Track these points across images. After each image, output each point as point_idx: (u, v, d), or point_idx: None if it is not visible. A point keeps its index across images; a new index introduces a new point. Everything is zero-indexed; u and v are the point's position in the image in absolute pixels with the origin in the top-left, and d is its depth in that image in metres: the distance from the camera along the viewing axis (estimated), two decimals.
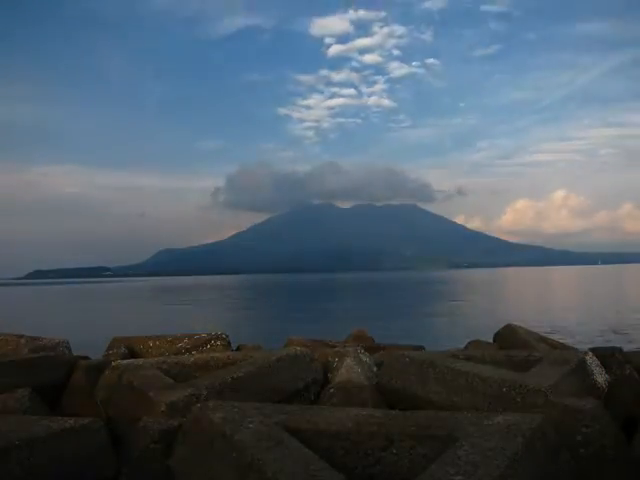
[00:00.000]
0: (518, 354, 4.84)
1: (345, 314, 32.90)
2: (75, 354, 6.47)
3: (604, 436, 3.14)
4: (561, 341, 7.38)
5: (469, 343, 7.42)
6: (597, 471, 3.06)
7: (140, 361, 4.71)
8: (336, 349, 5.57)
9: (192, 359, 4.81)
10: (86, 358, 6.11)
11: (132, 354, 6.30)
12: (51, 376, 5.20)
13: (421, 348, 7.24)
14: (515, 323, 7.06)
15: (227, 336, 6.48)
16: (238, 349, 6.68)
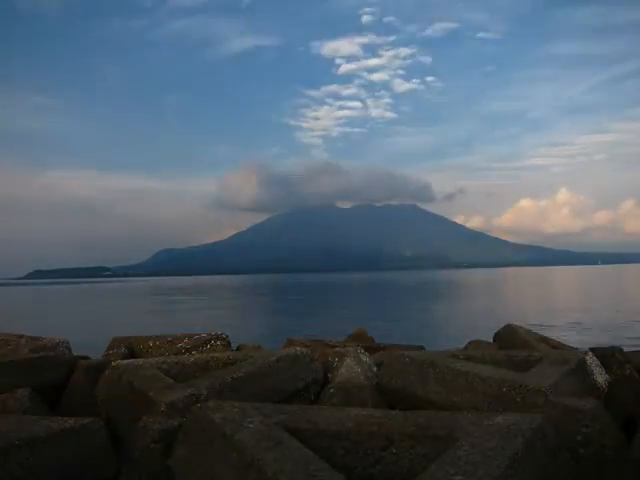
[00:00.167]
0: (518, 354, 4.84)
1: (345, 314, 32.90)
2: (75, 354, 6.46)
3: (604, 436, 3.14)
4: (561, 341, 7.38)
5: (469, 343, 7.42)
6: (597, 471, 3.06)
7: (140, 361, 4.70)
8: (336, 349, 5.57)
9: (192, 359, 4.80)
10: (86, 358, 6.11)
11: (132, 354, 6.30)
12: (51, 376, 5.20)
13: (421, 348, 7.24)
14: (515, 323, 7.06)
15: (227, 336, 6.48)
16: (238, 349, 6.68)
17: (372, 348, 6.96)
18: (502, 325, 7.01)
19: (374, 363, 5.37)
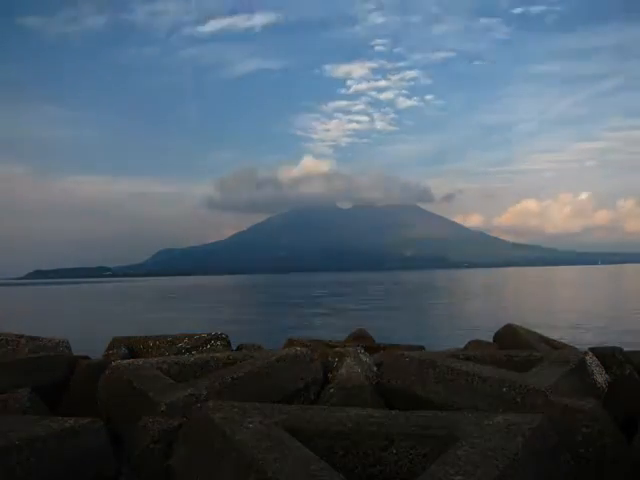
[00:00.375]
0: (518, 354, 4.84)
1: (345, 314, 32.90)
2: (75, 354, 6.46)
3: (604, 436, 3.14)
4: (561, 341, 7.37)
5: (469, 343, 7.41)
6: (597, 471, 3.06)
7: (140, 361, 4.70)
8: (336, 349, 5.56)
9: (192, 359, 4.80)
10: (86, 358, 6.11)
11: (132, 354, 6.29)
12: (51, 376, 5.20)
13: (421, 348, 7.24)
14: (515, 323, 7.06)
15: (227, 336, 6.47)
16: (238, 349, 6.67)
17: (372, 348, 6.96)
18: (502, 325, 7.00)
19: (374, 363, 5.36)
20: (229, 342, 6.46)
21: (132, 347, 6.47)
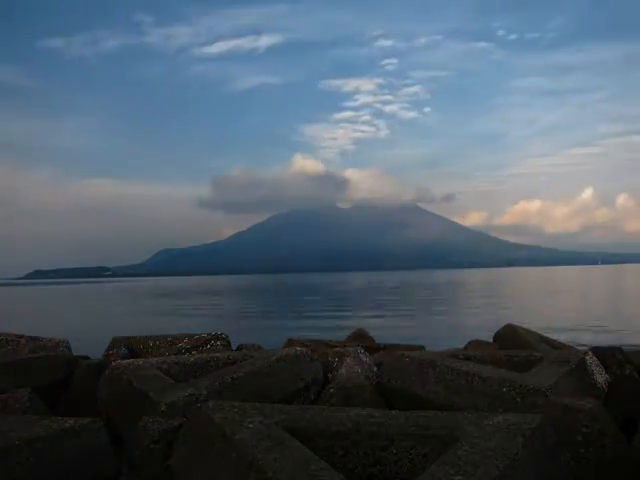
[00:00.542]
0: (518, 354, 4.84)
1: (345, 314, 32.90)
2: (75, 354, 6.47)
3: (604, 436, 3.14)
4: (561, 341, 7.38)
5: (469, 343, 7.42)
6: (597, 471, 3.06)
7: (140, 361, 4.70)
8: (336, 349, 5.57)
9: (192, 359, 4.80)
10: (86, 358, 6.11)
11: (132, 354, 6.30)
12: (51, 376, 5.20)
13: (421, 348, 7.24)
14: (515, 323, 7.06)
15: (227, 336, 6.48)
16: (238, 349, 6.67)
17: (372, 348, 6.96)
18: (502, 325, 7.00)
19: (374, 363, 5.37)
20: (229, 342, 6.46)
21: (132, 347, 6.47)
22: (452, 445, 2.57)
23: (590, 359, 4.57)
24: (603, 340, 16.78)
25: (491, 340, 7.06)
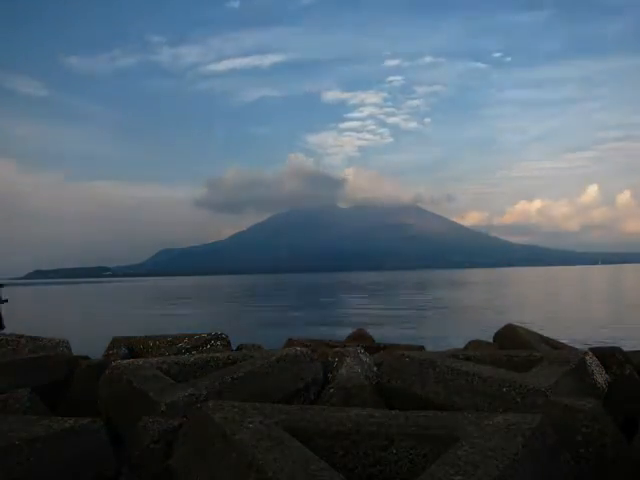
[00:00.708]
0: (518, 354, 4.84)
1: (345, 314, 32.89)
2: (75, 354, 6.47)
3: (604, 436, 3.14)
4: (561, 341, 7.37)
5: (469, 343, 7.41)
6: (597, 471, 3.06)
7: (140, 361, 4.70)
8: (336, 349, 5.57)
9: (192, 359, 4.80)
10: (86, 358, 6.11)
11: (132, 354, 6.30)
12: (51, 376, 5.20)
13: (421, 348, 7.24)
14: (515, 323, 7.06)
15: (227, 336, 6.48)
16: (238, 349, 6.67)
17: (372, 348, 6.96)
18: (502, 325, 7.00)
19: (374, 363, 5.37)
20: (229, 342, 6.46)
21: (132, 347, 6.47)
22: (452, 445, 2.57)
23: (590, 359, 4.57)
24: (603, 340, 16.79)
25: (491, 340, 7.05)
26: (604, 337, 18.20)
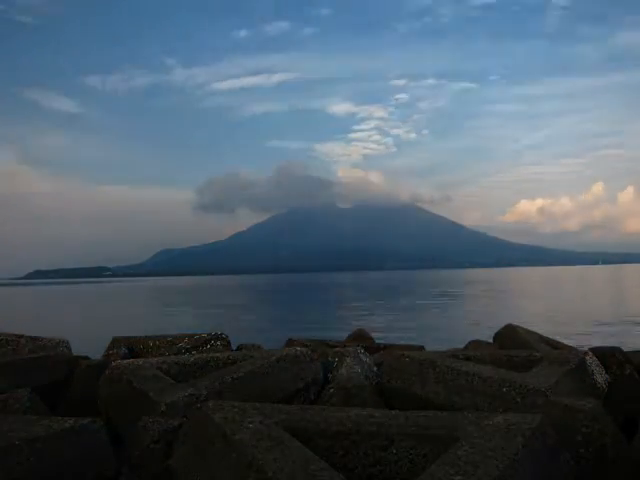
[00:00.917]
0: (518, 354, 4.84)
1: (345, 314, 32.90)
2: (75, 354, 6.46)
3: (604, 436, 3.14)
4: (561, 341, 7.38)
5: (469, 343, 7.42)
6: (597, 471, 3.06)
7: (140, 361, 4.70)
8: (336, 349, 5.56)
9: (192, 359, 4.80)
10: (86, 358, 6.11)
11: (132, 354, 6.30)
12: (51, 376, 5.20)
13: (421, 348, 7.24)
14: (515, 323, 7.06)
15: (227, 336, 6.47)
16: (238, 349, 6.67)
17: (372, 348, 6.96)
18: (502, 325, 7.01)
19: (374, 363, 5.36)
20: (229, 342, 6.46)
21: (132, 347, 6.47)
22: (452, 445, 2.57)
23: (590, 359, 4.57)
24: (603, 340, 16.79)
25: (491, 340, 7.06)
26: (604, 337, 18.20)
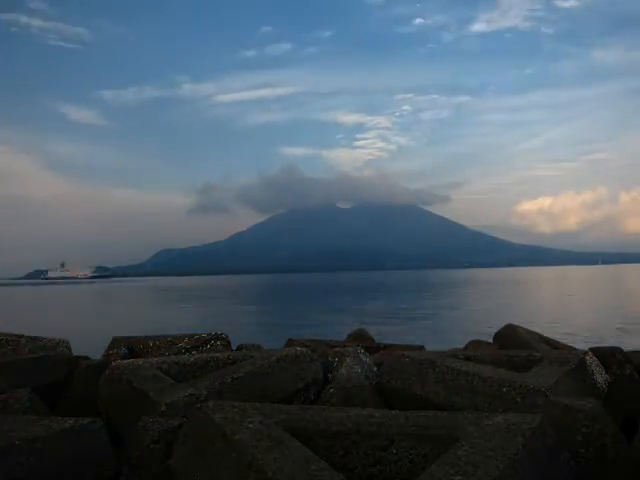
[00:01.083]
0: (518, 354, 4.84)
1: (345, 314, 32.90)
2: (75, 354, 6.46)
3: (604, 436, 3.14)
4: (561, 341, 7.38)
5: (469, 343, 7.41)
6: (597, 471, 3.06)
7: (140, 361, 4.70)
8: (336, 349, 5.56)
9: (192, 359, 4.80)
10: (86, 358, 6.10)
11: (132, 354, 6.29)
12: (51, 376, 5.19)
13: (421, 348, 7.24)
14: (515, 323, 7.06)
15: (227, 336, 6.47)
16: (238, 349, 6.67)
17: (372, 348, 6.95)
18: (502, 325, 7.01)
19: (374, 363, 5.36)
20: (229, 342, 6.46)
21: (132, 347, 6.47)
22: (452, 445, 2.57)
23: (590, 359, 4.57)
24: (603, 340, 16.79)
25: (491, 340, 7.05)
26: (604, 337, 18.20)
